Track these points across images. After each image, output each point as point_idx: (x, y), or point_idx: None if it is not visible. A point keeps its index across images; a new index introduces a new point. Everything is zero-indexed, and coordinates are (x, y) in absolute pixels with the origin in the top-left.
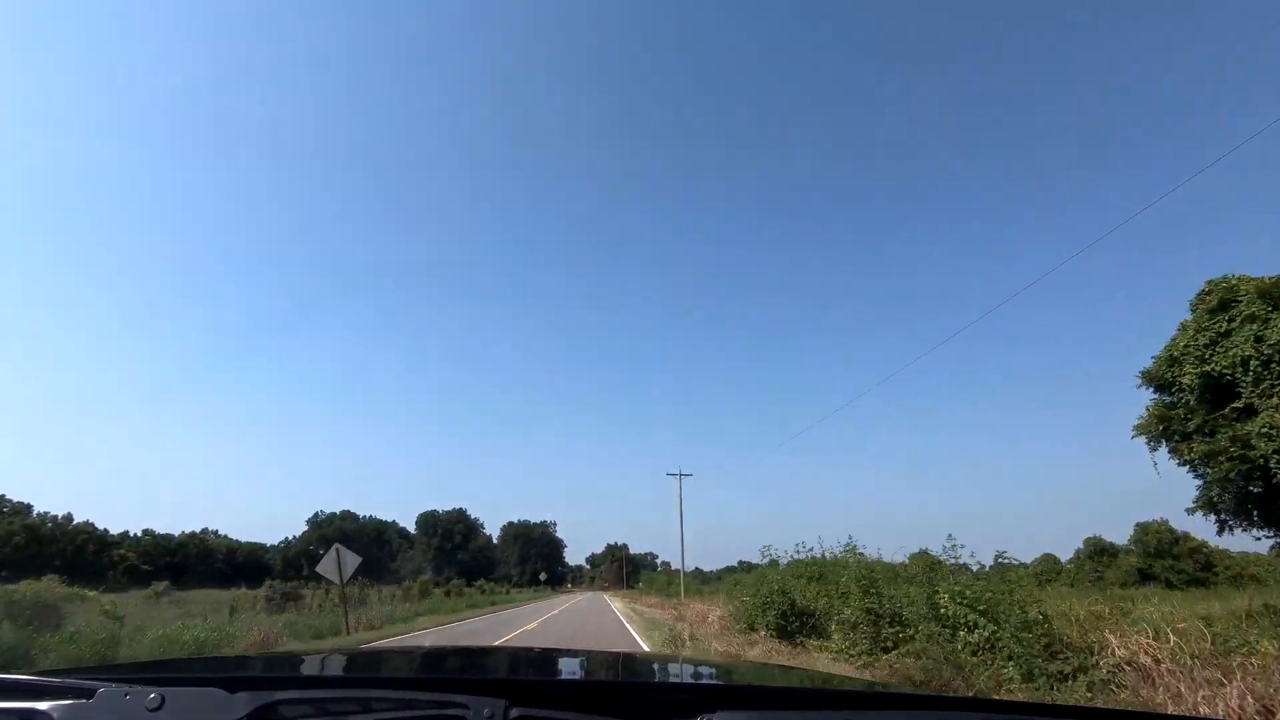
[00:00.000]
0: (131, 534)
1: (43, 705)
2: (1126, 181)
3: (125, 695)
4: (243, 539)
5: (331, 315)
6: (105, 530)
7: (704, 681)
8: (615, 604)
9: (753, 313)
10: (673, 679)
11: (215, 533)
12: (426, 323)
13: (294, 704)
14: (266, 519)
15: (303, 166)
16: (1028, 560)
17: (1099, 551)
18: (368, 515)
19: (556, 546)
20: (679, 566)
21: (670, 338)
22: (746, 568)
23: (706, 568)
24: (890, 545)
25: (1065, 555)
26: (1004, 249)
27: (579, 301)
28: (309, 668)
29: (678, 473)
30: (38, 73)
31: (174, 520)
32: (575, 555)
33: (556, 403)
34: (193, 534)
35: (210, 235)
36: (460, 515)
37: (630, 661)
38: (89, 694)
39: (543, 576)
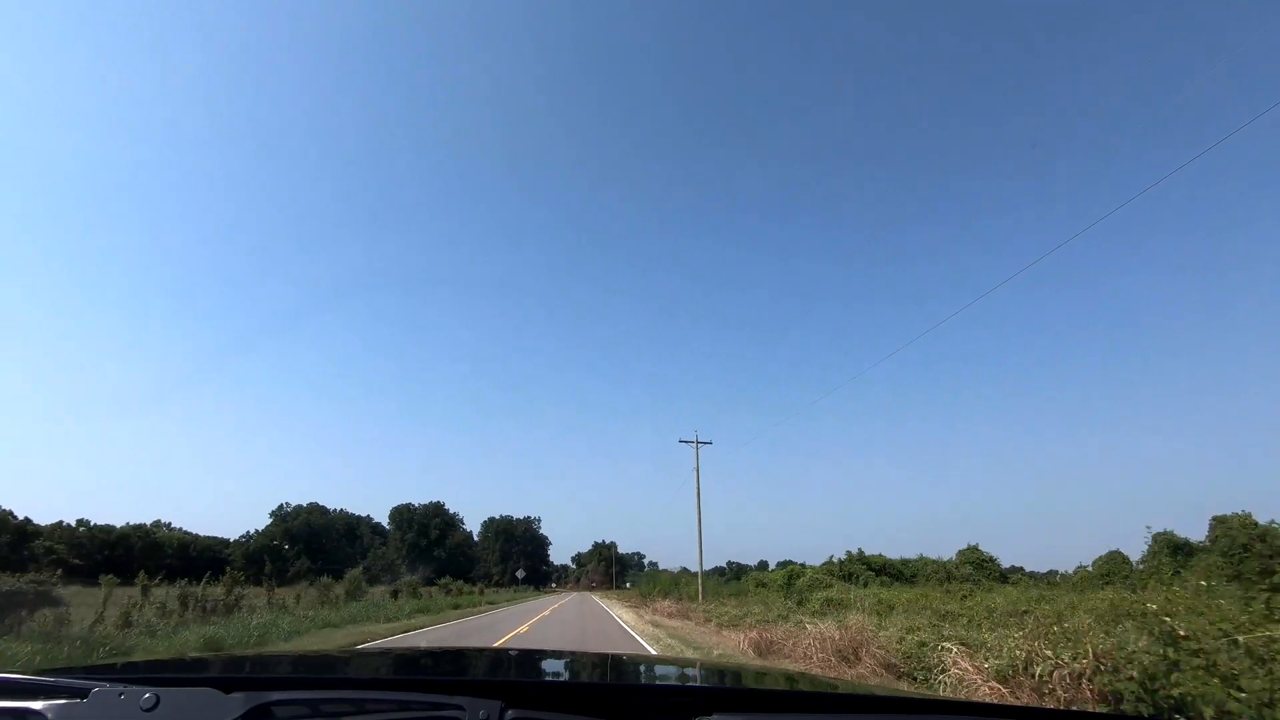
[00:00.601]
0: (66, 524)
1: (37, 705)
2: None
3: (120, 695)
4: (205, 534)
5: (307, 308)
6: (26, 519)
7: (701, 684)
8: (618, 611)
9: (743, 309)
10: (669, 681)
11: (168, 525)
12: (407, 317)
13: (289, 704)
14: (236, 514)
15: (301, 169)
16: (1087, 560)
17: (1173, 548)
18: (338, 508)
19: (541, 544)
20: (668, 566)
21: (658, 334)
22: (735, 568)
23: (693, 568)
24: (914, 547)
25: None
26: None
27: (566, 295)
28: (304, 668)
29: (694, 440)
30: (39, 69)
31: (137, 514)
32: (560, 554)
33: (542, 399)
34: (137, 526)
35: (187, 229)
36: (437, 509)
37: (627, 663)
38: (83, 694)
39: (520, 574)
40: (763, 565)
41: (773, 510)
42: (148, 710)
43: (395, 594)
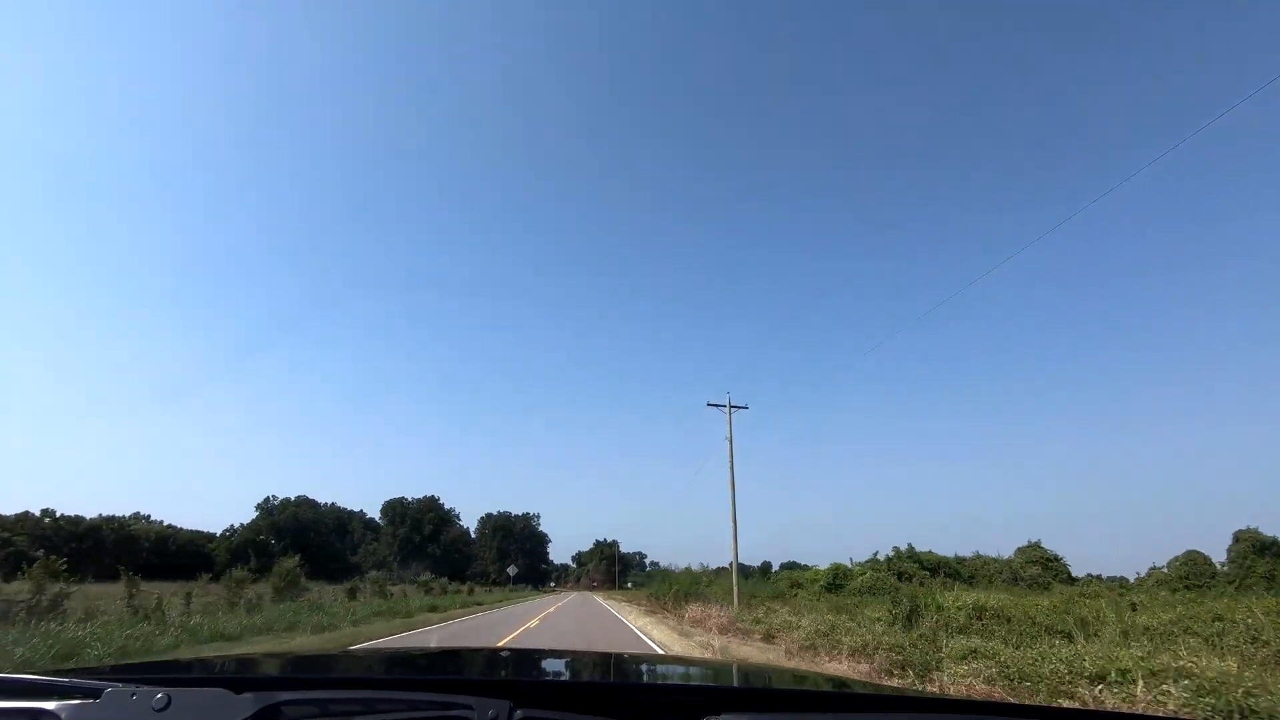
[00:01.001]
0: (32, 515)
1: (50, 705)
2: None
3: (132, 695)
4: (193, 528)
5: (301, 304)
6: None
7: (710, 683)
8: (637, 620)
9: (749, 302)
10: (678, 681)
11: (147, 518)
12: (405, 313)
13: (299, 704)
14: (227, 508)
15: (301, 168)
16: (1161, 561)
17: (1259, 548)
18: (330, 502)
19: (540, 542)
20: (668, 566)
21: (661, 330)
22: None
23: (706, 566)
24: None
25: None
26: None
27: (570, 289)
28: (314, 668)
29: (726, 404)
30: (60, 66)
31: (123, 507)
32: (560, 553)
33: (544, 395)
34: (110, 517)
35: (178, 223)
36: (431, 503)
37: (635, 662)
38: (96, 694)
39: (512, 570)
40: (765, 567)
41: (771, 510)
42: (159, 710)
43: (353, 593)
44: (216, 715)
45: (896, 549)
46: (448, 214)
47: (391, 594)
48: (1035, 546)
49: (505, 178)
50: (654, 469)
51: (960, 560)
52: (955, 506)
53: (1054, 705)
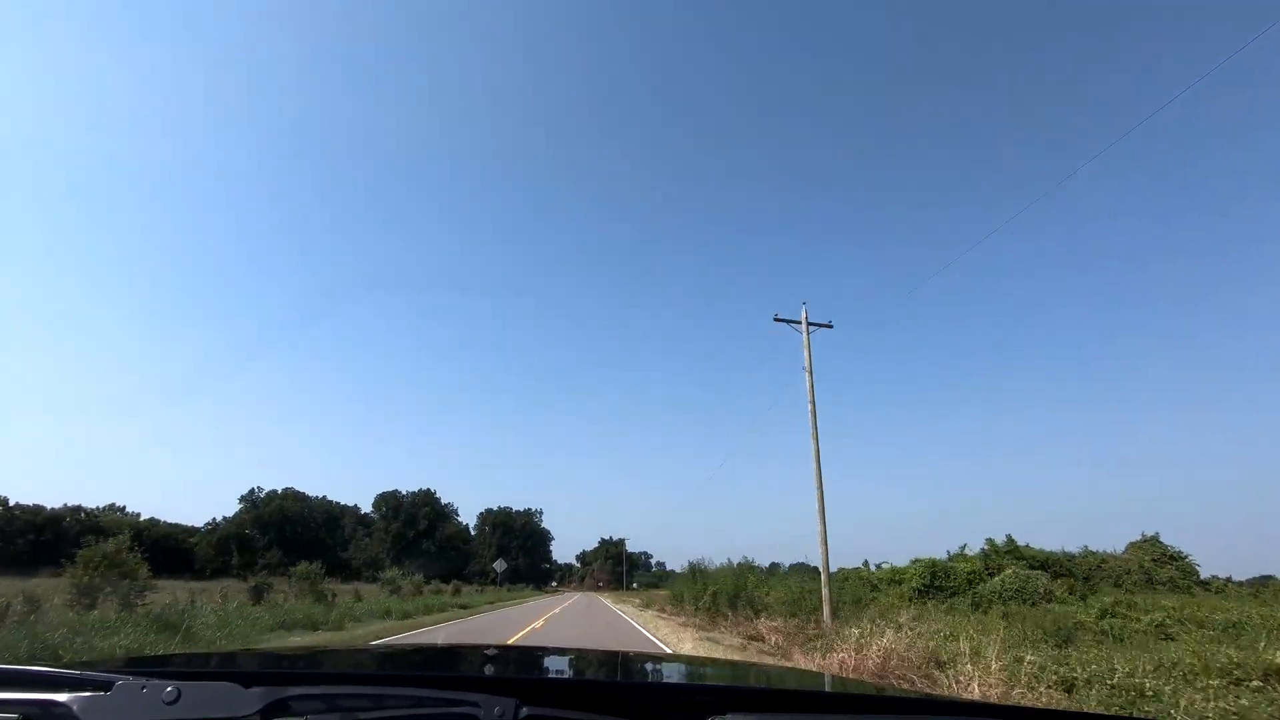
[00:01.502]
0: None
1: (62, 697)
2: None
3: (142, 688)
4: (179, 522)
5: (297, 302)
6: None
7: (716, 683)
8: (693, 648)
9: (761, 294)
10: (684, 680)
11: (123, 509)
12: (401, 305)
13: (306, 699)
14: (219, 502)
15: (299, 167)
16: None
17: None
18: (320, 496)
19: (542, 539)
20: (673, 567)
21: (664, 324)
22: (746, 568)
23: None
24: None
25: None
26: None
27: (568, 280)
28: (322, 664)
29: (802, 320)
30: (75, 66)
31: (103, 499)
32: (564, 553)
33: (548, 392)
34: (74, 508)
35: (166, 218)
36: (427, 497)
37: (641, 662)
38: (107, 686)
39: (499, 566)
40: (774, 567)
41: (773, 510)
42: (169, 703)
43: (259, 593)
44: (225, 708)
45: (991, 542)
46: (448, 209)
47: (332, 595)
48: (1154, 542)
49: (506, 172)
50: (660, 468)
51: (1069, 557)
52: (993, 501)
53: (1053, 708)
